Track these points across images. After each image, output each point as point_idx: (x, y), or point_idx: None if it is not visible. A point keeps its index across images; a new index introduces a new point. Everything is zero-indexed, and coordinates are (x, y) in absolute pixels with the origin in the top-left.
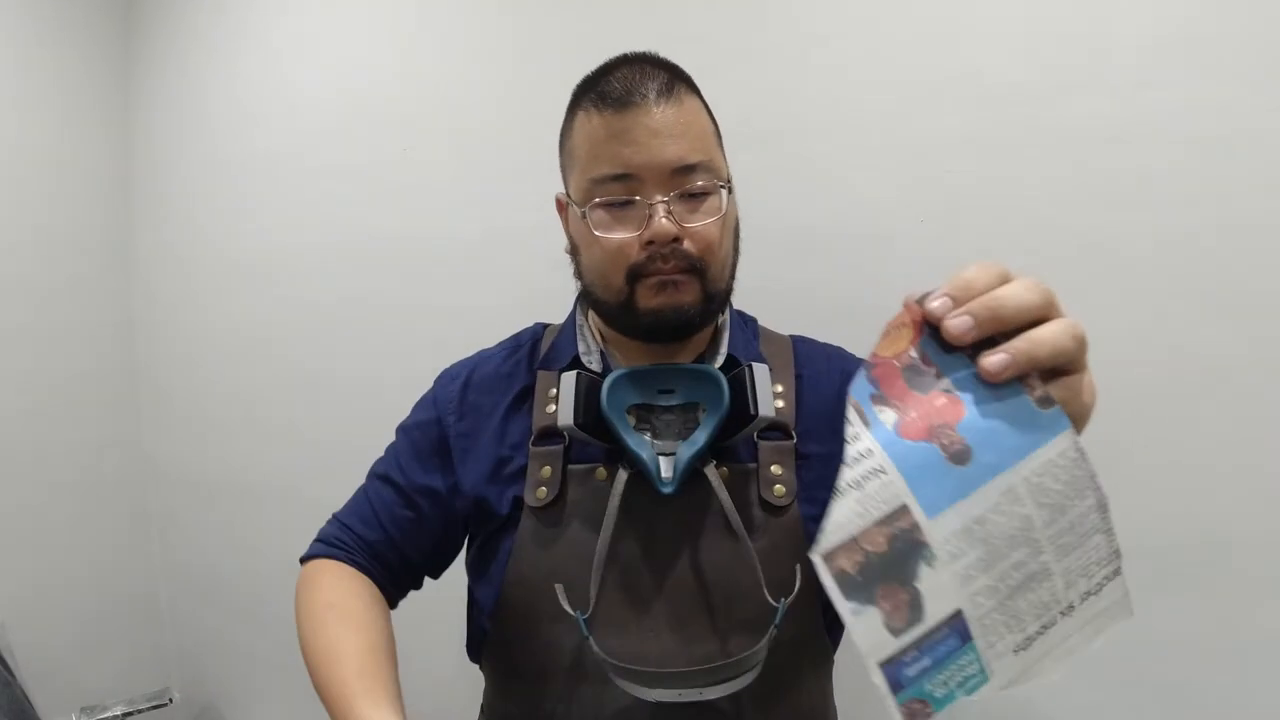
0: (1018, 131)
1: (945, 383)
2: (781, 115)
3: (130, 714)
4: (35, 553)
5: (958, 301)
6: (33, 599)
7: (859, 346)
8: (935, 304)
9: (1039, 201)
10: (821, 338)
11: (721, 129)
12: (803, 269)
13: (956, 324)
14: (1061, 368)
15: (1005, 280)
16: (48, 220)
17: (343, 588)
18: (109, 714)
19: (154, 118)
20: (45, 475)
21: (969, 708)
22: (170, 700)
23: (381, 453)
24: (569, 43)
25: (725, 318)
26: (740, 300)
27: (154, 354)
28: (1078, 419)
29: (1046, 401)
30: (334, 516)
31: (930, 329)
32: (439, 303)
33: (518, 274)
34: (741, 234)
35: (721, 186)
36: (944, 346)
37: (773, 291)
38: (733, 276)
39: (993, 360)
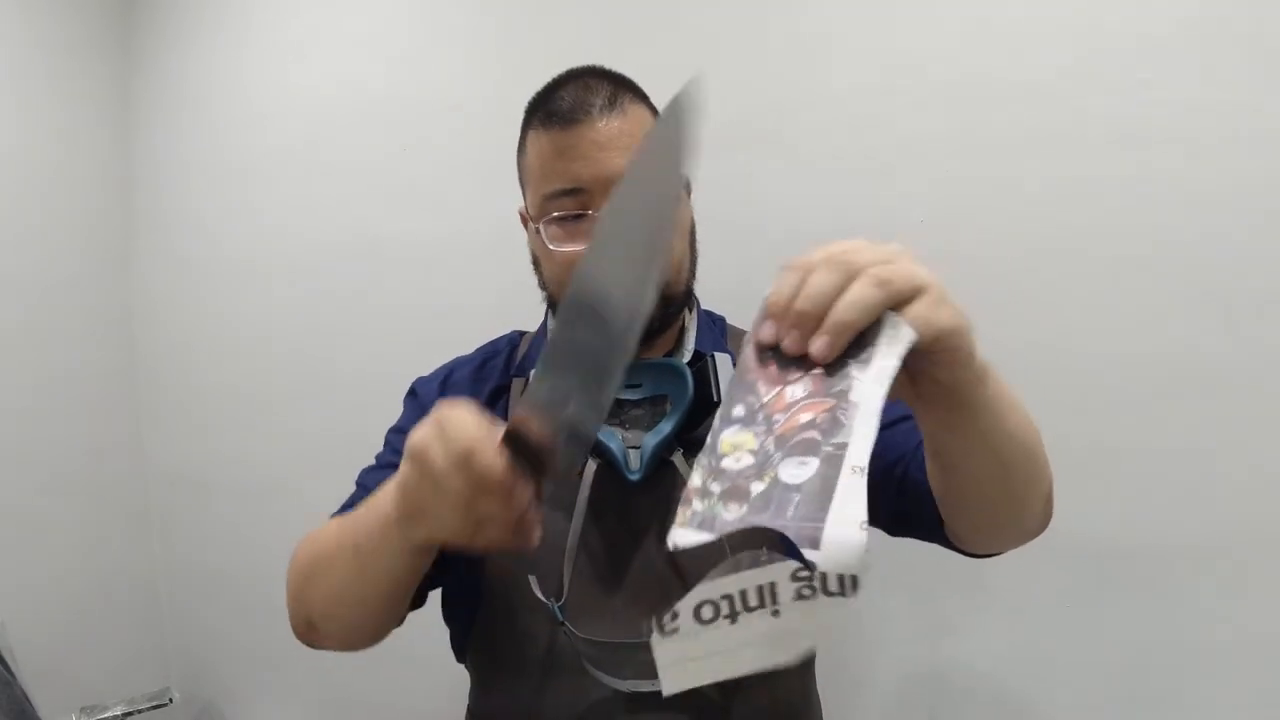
0: (1018, 131)
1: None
2: (781, 115)
3: (130, 714)
4: (35, 553)
5: (778, 318)
6: (33, 599)
7: None
8: (764, 334)
9: (1039, 201)
10: None
11: (720, 128)
12: None
13: (789, 344)
14: (897, 305)
15: (810, 270)
16: (47, 219)
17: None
18: (109, 714)
19: (153, 117)
20: (45, 475)
21: (967, 706)
22: (170, 700)
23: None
24: (569, 43)
25: (691, 316)
26: (737, 301)
27: (153, 353)
28: (943, 334)
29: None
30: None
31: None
32: (439, 302)
33: (518, 274)
34: (740, 234)
35: None
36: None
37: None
38: (692, 277)
39: (817, 348)
